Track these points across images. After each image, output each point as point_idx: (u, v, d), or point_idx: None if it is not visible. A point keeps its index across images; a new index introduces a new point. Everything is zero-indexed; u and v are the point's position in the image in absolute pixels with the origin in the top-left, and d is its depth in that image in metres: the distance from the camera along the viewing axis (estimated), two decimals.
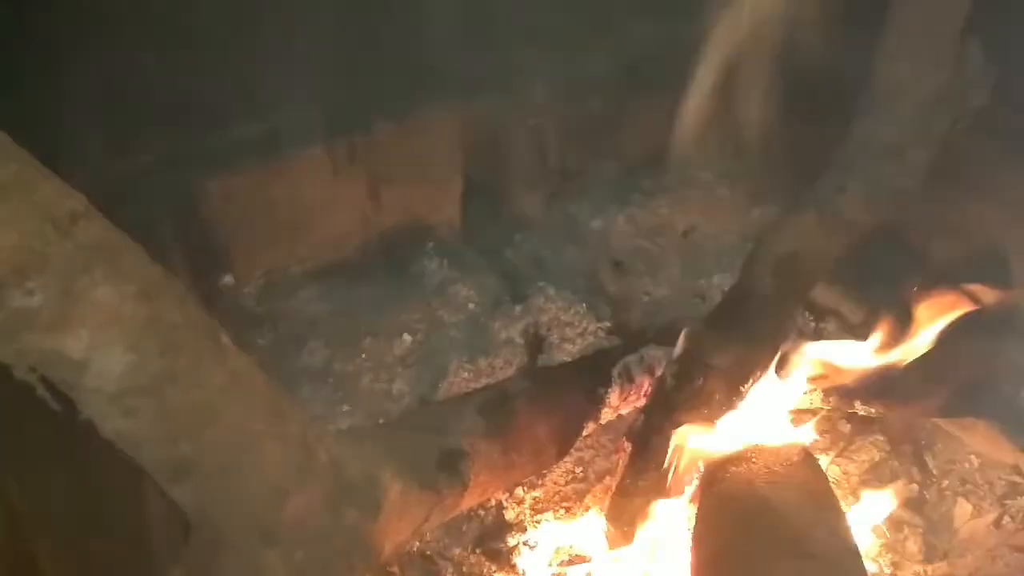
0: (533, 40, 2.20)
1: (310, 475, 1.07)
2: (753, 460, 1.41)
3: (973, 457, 1.79)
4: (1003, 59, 1.61)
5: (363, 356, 2.05)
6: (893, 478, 1.77)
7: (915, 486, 1.76)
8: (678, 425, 1.49)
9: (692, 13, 2.25)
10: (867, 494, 1.69)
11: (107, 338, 0.82)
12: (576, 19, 2.18)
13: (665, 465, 1.49)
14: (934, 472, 1.78)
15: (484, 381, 1.93)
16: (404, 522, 1.24)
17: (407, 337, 2.10)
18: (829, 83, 1.92)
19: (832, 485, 1.70)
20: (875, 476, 1.77)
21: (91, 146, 1.87)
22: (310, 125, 2.03)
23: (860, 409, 1.67)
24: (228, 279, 2.14)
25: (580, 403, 1.59)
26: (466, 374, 1.98)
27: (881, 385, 1.63)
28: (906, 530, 1.67)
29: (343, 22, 2.01)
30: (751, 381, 1.61)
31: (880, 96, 1.57)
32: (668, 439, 1.49)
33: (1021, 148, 1.84)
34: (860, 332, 1.98)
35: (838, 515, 1.33)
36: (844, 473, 1.79)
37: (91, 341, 0.81)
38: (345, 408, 1.93)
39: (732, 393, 1.55)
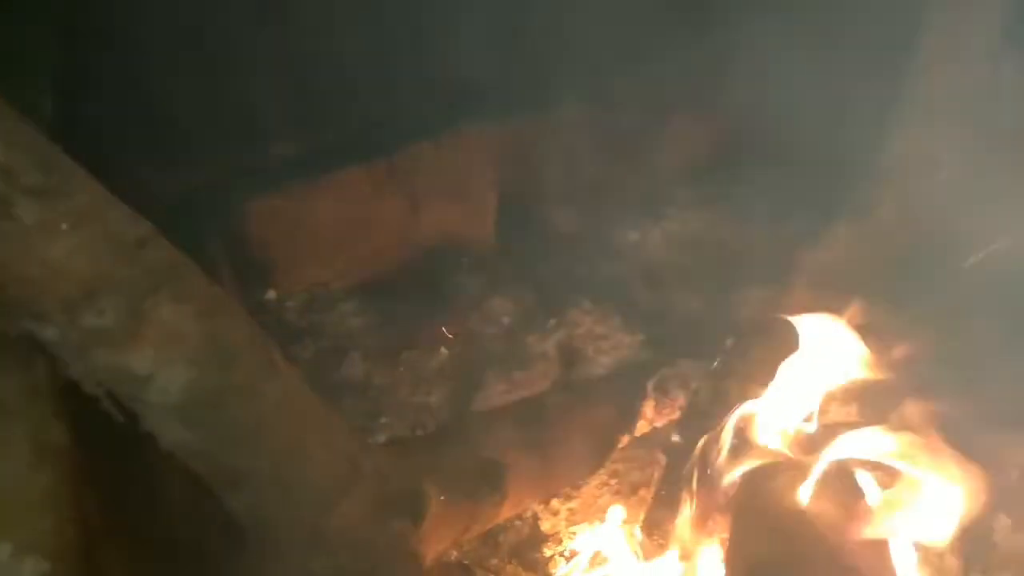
0: (566, 57, 2.24)
1: (356, 484, 1.11)
2: (788, 472, 1.43)
3: (1013, 470, 1.77)
4: None
5: (401, 369, 2.10)
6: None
7: None
8: (713, 438, 1.51)
9: (723, 30, 2.29)
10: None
11: (170, 354, 0.88)
12: (609, 36, 2.21)
13: (699, 478, 1.51)
14: None
15: (519, 394, 1.96)
16: (444, 531, 1.28)
17: (444, 350, 2.14)
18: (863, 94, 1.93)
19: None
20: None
21: (143, 167, 1.95)
22: (351, 145, 2.09)
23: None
24: (271, 294, 2.20)
25: (615, 416, 1.62)
26: (502, 387, 2.01)
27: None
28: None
29: (381, 44, 2.07)
30: (783, 390, 1.63)
31: (915, 111, 1.58)
32: (702, 452, 1.51)
33: None
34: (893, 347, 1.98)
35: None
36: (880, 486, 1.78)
37: (155, 357, 0.87)
38: (384, 420, 1.97)
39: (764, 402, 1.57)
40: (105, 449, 0.91)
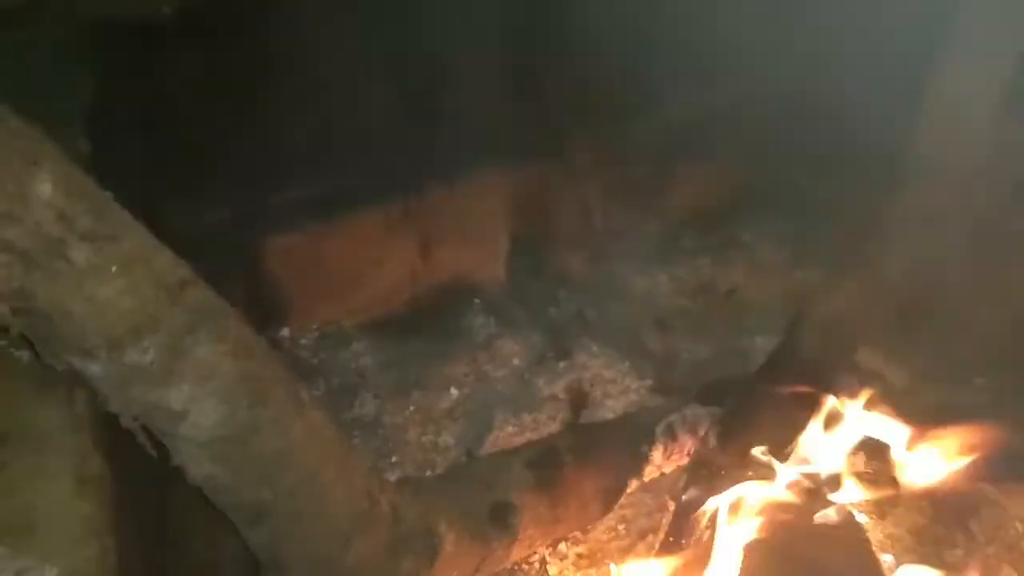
0: (578, 105, 2.31)
1: (372, 522, 1.13)
2: (798, 519, 1.45)
3: (1019, 524, 1.78)
4: None
5: (411, 408, 2.12)
6: (937, 544, 1.77)
7: (959, 551, 1.76)
8: (722, 485, 1.53)
9: (729, 82, 2.36)
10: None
11: (205, 391, 0.91)
12: (619, 86, 2.28)
13: (707, 525, 1.52)
14: (980, 538, 1.78)
15: (528, 436, 1.98)
16: (456, 571, 1.30)
17: (454, 391, 2.16)
18: (872, 150, 1.98)
19: (876, 547, 1.74)
20: (919, 541, 1.78)
21: (165, 206, 2.01)
22: (366, 187, 2.15)
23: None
24: (285, 332, 2.24)
25: (624, 460, 1.64)
26: (511, 428, 2.04)
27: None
28: None
29: (397, 89, 2.14)
30: (794, 442, 1.65)
31: (921, 167, 1.63)
32: (710, 499, 1.53)
33: None
34: (903, 397, 2.01)
35: None
36: (888, 537, 1.79)
37: (191, 394, 0.90)
38: (394, 459, 1.99)
39: (775, 454, 1.60)
40: (140, 482, 0.94)
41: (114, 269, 0.82)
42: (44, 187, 0.77)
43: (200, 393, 0.91)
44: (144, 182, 1.91)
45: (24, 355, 0.88)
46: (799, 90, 2.32)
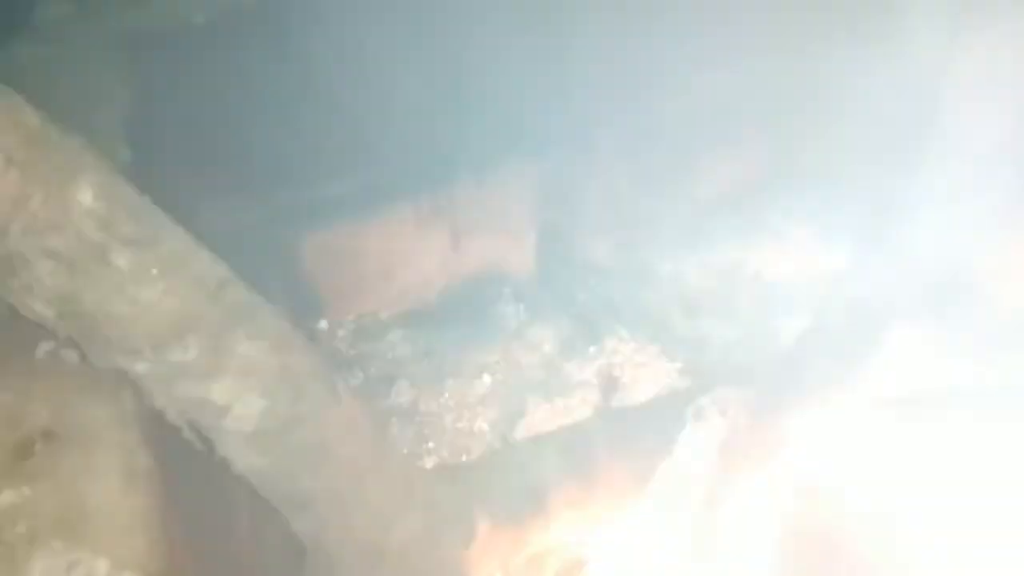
0: (601, 93, 2.32)
1: (410, 508, 1.18)
2: (831, 501, 1.46)
3: None
4: None
5: (446, 396, 2.17)
6: None
7: None
8: (754, 464, 1.55)
9: (753, 64, 2.34)
10: None
11: (246, 386, 0.96)
12: (642, 71, 2.28)
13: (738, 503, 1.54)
14: None
15: (560, 420, 2.01)
16: (492, 555, 1.34)
17: (487, 378, 2.20)
18: (899, 130, 1.96)
19: None
20: None
21: (205, 206, 2.07)
22: (397, 183, 2.19)
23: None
24: (323, 324, 2.30)
25: (654, 443, 1.65)
26: (543, 413, 2.07)
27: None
28: None
29: (424, 88, 2.17)
30: (824, 421, 1.66)
31: (948, 146, 1.62)
32: (743, 479, 1.55)
33: None
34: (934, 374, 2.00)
35: None
36: None
37: (233, 388, 0.95)
38: (431, 445, 2.04)
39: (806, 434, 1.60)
40: (186, 474, 0.99)
41: (155, 272, 0.87)
42: (85, 196, 0.82)
43: (242, 387, 0.96)
44: (186, 184, 1.98)
45: (73, 356, 0.93)
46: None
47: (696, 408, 1.73)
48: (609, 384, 2.17)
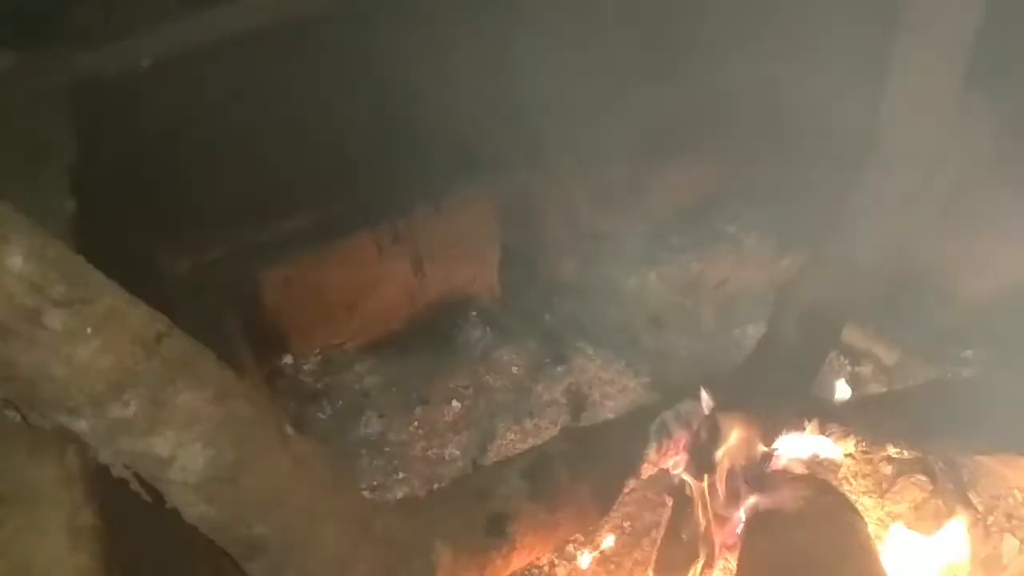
0: (554, 114, 2.35)
1: (368, 546, 1.18)
2: (789, 508, 1.48)
3: (1017, 492, 1.80)
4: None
5: (416, 424, 2.17)
6: (938, 517, 1.79)
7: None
8: (714, 477, 1.56)
9: (694, 79, 2.39)
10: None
11: (189, 436, 0.96)
12: (592, 91, 2.32)
13: (704, 516, 1.56)
14: (979, 509, 1.80)
15: (531, 441, 2.03)
16: None
17: (456, 403, 2.21)
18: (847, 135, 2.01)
19: (877, 525, 1.76)
20: (919, 516, 1.80)
21: (162, 248, 2.07)
22: (355, 214, 2.20)
23: (893, 452, 1.71)
24: (288, 358, 2.30)
25: (620, 461, 1.67)
26: (513, 436, 2.09)
27: (912, 426, 1.67)
28: (955, 569, 1.69)
29: (378, 119, 2.20)
30: (783, 429, 1.68)
31: (886, 151, 1.65)
32: (706, 491, 1.57)
33: None
34: (895, 374, 2.03)
35: (872, 559, 1.38)
36: (889, 515, 1.82)
37: (176, 440, 0.95)
38: (401, 475, 2.04)
39: (765, 442, 1.62)
40: (136, 528, 0.99)
41: (89, 331, 0.87)
42: (14, 260, 0.82)
43: (185, 439, 0.96)
44: (137, 230, 1.98)
45: (14, 416, 0.93)
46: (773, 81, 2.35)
47: (659, 423, 1.75)
48: (578, 402, 2.18)
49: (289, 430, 1.09)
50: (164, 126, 1.97)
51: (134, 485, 0.98)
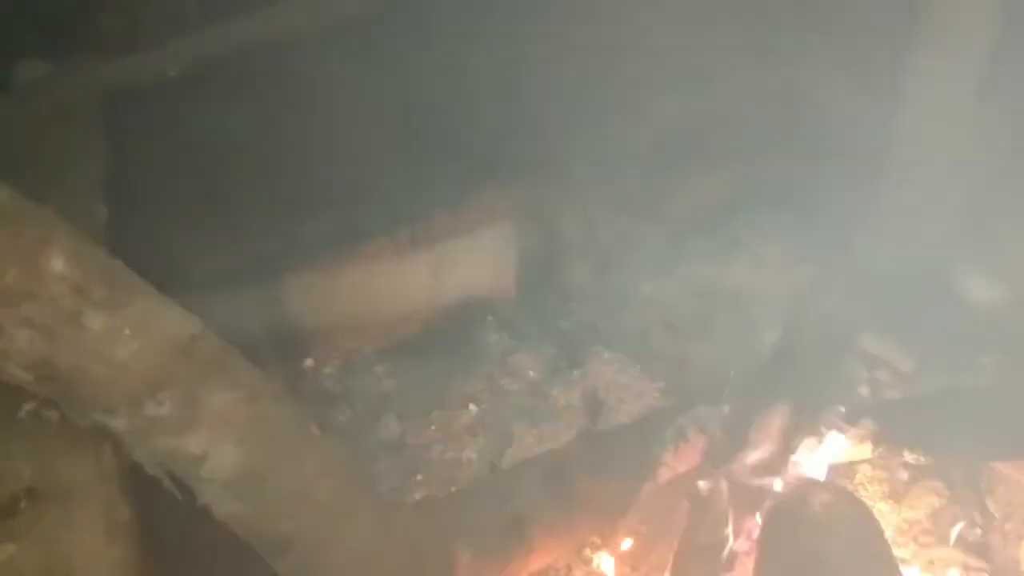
0: (571, 121, 2.37)
1: (390, 545, 1.20)
2: (807, 511, 1.49)
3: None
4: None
5: (433, 427, 2.19)
6: (955, 523, 1.79)
7: (978, 530, 1.78)
8: (731, 481, 1.58)
9: (709, 89, 2.41)
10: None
11: (221, 435, 0.99)
12: (610, 100, 2.34)
13: (721, 519, 1.57)
14: (996, 515, 1.80)
15: (547, 445, 2.04)
16: None
17: (473, 407, 2.23)
18: (862, 144, 2.02)
19: (894, 532, 1.77)
20: (936, 523, 1.80)
21: (186, 252, 2.11)
22: (374, 219, 2.24)
23: (909, 458, 1.71)
24: (309, 362, 2.33)
25: (636, 464, 1.68)
26: (530, 439, 2.10)
27: (928, 432, 1.68)
28: (972, 575, 1.70)
29: (398, 126, 2.23)
30: (800, 435, 1.69)
31: (904, 160, 1.67)
32: (723, 495, 1.58)
33: None
34: (911, 380, 2.04)
35: (888, 564, 1.39)
36: (905, 521, 1.82)
37: (208, 439, 0.98)
38: (419, 478, 2.06)
39: (783, 447, 1.64)
40: (168, 524, 1.02)
41: (127, 332, 0.90)
42: (57, 264, 0.86)
43: (217, 437, 0.99)
44: (165, 235, 2.02)
45: (53, 415, 0.96)
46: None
47: (675, 428, 1.77)
48: (594, 407, 2.20)
49: (316, 431, 1.12)
50: (191, 133, 2.02)
51: (167, 482, 1.01)
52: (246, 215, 2.09)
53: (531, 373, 2.31)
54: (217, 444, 0.99)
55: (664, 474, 1.75)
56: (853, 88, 2.20)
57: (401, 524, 1.21)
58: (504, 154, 2.36)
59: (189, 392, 0.95)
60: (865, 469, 1.87)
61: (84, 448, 1.00)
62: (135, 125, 1.91)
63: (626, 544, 1.81)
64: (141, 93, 1.90)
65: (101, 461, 1.00)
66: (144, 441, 0.97)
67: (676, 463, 1.75)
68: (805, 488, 1.54)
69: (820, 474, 1.60)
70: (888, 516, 1.82)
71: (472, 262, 2.41)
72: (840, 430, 1.65)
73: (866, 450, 1.72)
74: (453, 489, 2.00)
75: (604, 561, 1.79)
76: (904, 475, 1.88)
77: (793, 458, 1.60)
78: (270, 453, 1.03)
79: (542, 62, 2.28)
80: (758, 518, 1.57)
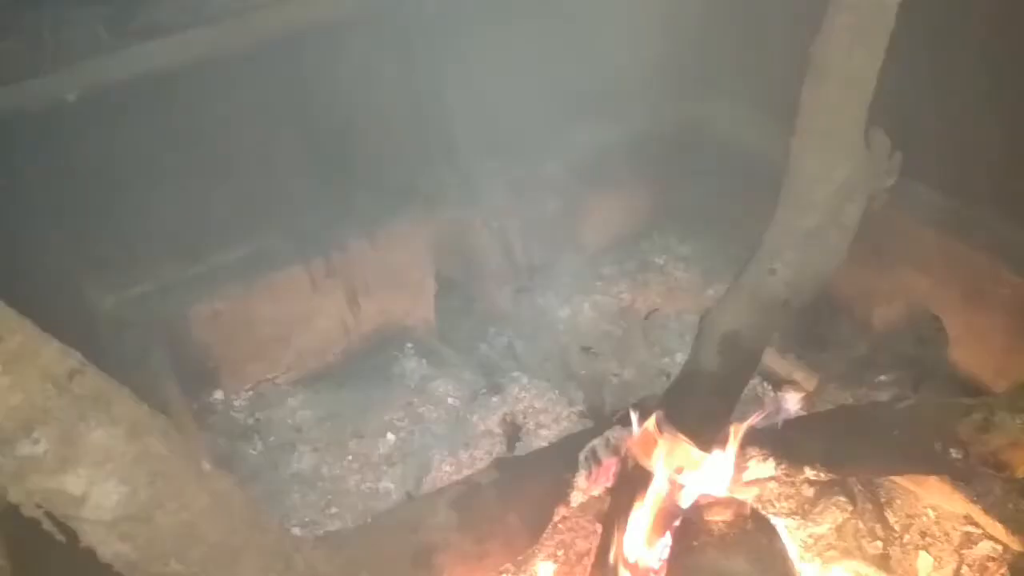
0: (488, 147, 2.40)
1: None
2: (713, 531, 1.52)
3: (930, 511, 1.88)
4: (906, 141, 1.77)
5: (350, 458, 2.16)
6: (858, 537, 1.85)
7: (879, 543, 1.85)
8: (641, 502, 1.60)
9: (621, 117, 2.48)
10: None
11: (102, 474, 0.95)
12: (524, 127, 2.38)
13: (630, 542, 1.59)
14: (895, 528, 1.87)
15: (466, 473, 2.03)
16: None
17: (391, 436, 2.21)
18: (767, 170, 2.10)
19: (801, 547, 1.82)
20: (840, 537, 1.86)
21: (89, 283, 2.04)
22: (287, 247, 2.21)
23: (810, 474, 1.77)
24: (218, 394, 2.26)
25: (549, 489, 1.69)
26: (448, 467, 2.09)
27: (830, 448, 1.74)
28: None
29: (311, 152, 2.22)
30: (706, 453, 1.72)
31: (796, 187, 1.73)
32: (632, 517, 1.60)
33: (934, 218, 2.01)
34: (815, 399, 2.11)
35: None
36: (811, 536, 1.87)
37: (89, 478, 0.94)
38: (334, 510, 2.02)
39: (689, 466, 1.67)
40: (47, 568, 0.97)
41: None
42: None
43: (98, 476, 0.95)
44: (65, 266, 1.95)
45: None
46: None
47: (589, 450, 1.78)
48: (513, 432, 2.20)
49: (206, 466, 1.09)
50: (92, 160, 1.95)
51: (46, 524, 0.96)
52: (152, 243, 2.04)
53: (450, 400, 2.31)
54: (98, 483, 0.95)
55: (577, 497, 1.77)
56: (759, 117, 2.30)
57: (302, 560, 1.18)
58: (421, 180, 2.37)
59: (67, 430, 0.91)
60: (772, 486, 1.92)
61: None
62: (32, 152, 1.84)
63: (542, 569, 1.82)
64: (37, 119, 1.83)
65: None
66: (19, 482, 0.92)
67: (589, 486, 1.77)
68: (711, 506, 1.57)
69: (724, 492, 1.63)
70: (795, 532, 1.87)
71: (389, 289, 2.40)
72: (745, 447, 1.69)
73: (770, 467, 1.76)
74: (369, 520, 1.97)
75: None
76: (810, 491, 1.94)
77: (700, 477, 1.63)
78: (156, 491, 0.99)
79: (459, 87, 2.30)
80: (667, 537, 1.59)
